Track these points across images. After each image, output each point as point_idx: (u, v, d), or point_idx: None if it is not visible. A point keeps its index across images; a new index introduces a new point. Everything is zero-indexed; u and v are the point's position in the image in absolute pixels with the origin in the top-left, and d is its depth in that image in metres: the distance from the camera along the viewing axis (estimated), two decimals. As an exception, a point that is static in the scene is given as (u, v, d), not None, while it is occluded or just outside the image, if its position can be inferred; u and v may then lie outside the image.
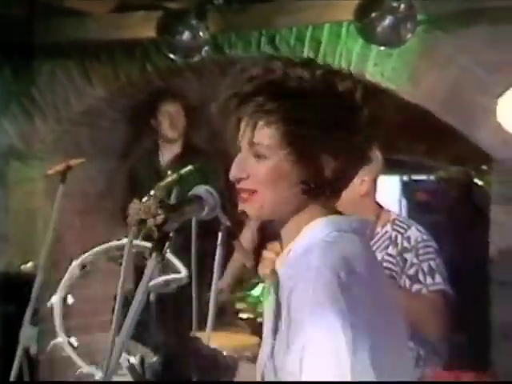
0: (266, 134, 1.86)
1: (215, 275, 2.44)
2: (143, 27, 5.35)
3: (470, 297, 5.22)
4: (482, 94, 4.95)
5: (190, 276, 3.60)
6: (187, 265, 3.65)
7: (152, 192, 5.10)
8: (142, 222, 1.73)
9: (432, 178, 6.67)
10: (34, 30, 5.74)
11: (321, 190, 1.90)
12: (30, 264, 5.64)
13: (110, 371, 1.73)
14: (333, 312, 1.72)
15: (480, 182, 5.67)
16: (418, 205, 6.78)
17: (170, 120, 5.71)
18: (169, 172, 5.19)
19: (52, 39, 5.75)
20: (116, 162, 6.47)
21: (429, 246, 3.47)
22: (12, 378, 4.40)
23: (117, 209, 6.07)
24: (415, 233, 3.49)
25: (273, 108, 1.84)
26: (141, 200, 5.12)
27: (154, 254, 1.69)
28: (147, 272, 1.69)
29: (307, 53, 5.32)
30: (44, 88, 6.06)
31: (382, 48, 4.97)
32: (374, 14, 4.71)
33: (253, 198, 1.88)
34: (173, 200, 4.70)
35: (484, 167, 5.59)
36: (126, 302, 2.09)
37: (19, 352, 4.38)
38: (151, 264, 1.69)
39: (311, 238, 1.88)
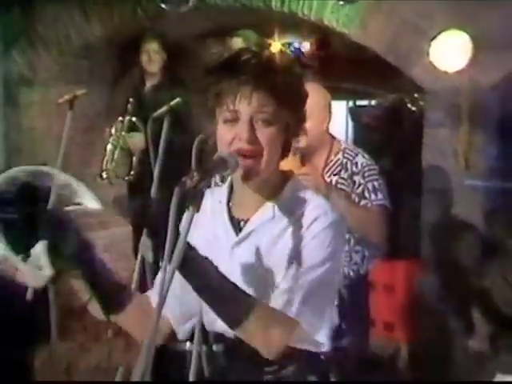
0: (269, 106, 1.84)
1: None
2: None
3: (404, 201, 5.47)
4: (417, 38, 4.99)
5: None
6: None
7: (126, 118, 5.36)
8: (182, 183, 1.62)
9: (373, 103, 6.78)
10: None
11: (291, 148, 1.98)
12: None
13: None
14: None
15: (413, 108, 5.78)
16: (362, 126, 6.82)
17: (148, 56, 5.67)
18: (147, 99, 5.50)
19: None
20: (110, 89, 6.45)
21: (372, 169, 3.58)
22: None
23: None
24: (361, 159, 3.58)
25: (271, 85, 1.84)
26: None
27: (191, 208, 1.62)
28: (185, 224, 1.61)
29: (275, 3, 5.30)
30: (48, 25, 6.03)
31: (341, 2, 4.97)
32: None
33: (257, 159, 1.86)
34: (165, 129, 4.84)
35: (416, 96, 5.71)
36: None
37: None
38: (188, 216, 1.61)
39: (298, 191, 1.96)
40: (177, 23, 5.71)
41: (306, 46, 6.11)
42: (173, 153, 4.70)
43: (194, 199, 1.63)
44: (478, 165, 5.02)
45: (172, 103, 4.65)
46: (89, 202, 1.97)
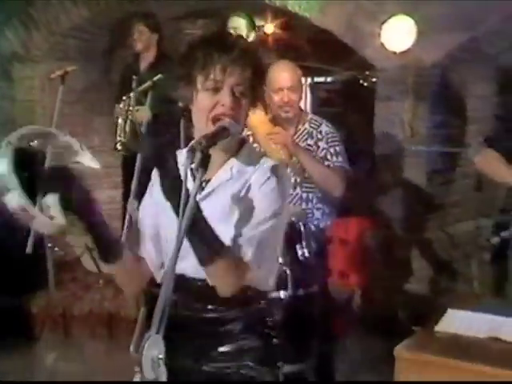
0: (246, 81, 1.89)
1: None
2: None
3: (359, 165, 5.55)
4: (370, 22, 5.03)
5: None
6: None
7: (131, 94, 5.22)
8: (192, 148, 1.64)
9: (330, 79, 6.81)
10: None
11: None
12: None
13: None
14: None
15: (365, 84, 5.82)
16: (320, 100, 6.87)
17: (136, 36, 5.49)
18: (140, 77, 5.25)
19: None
20: (97, 65, 6.39)
21: (334, 136, 3.70)
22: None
23: (99, 100, 6.20)
24: (325, 128, 3.70)
25: (251, 63, 1.90)
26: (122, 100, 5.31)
27: (200, 170, 1.64)
28: (195, 185, 1.63)
29: None
30: (39, 7, 5.95)
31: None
32: None
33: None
34: (148, 100, 4.81)
35: (368, 73, 5.76)
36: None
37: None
38: (198, 177, 1.63)
39: (252, 154, 2.06)
40: (162, 5, 5.69)
41: (270, 28, 6.12)
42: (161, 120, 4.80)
43: (202, 162, 1.66)
44: (421, 132, 5.12)
45: (155, 78, 4.72)
46: (88, 161, 2.00)
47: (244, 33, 5.01)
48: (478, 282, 5.20)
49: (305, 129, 3.73)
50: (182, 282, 1.89)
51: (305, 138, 3.68)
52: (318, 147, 3.67)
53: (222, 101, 1.86)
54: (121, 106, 5.32)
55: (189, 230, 1.67)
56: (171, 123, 4.79)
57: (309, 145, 3.69)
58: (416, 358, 1.86)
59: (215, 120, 1.87)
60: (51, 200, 1.80)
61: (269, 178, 1.93)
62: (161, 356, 1.53)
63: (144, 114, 5.12)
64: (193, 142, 1.68)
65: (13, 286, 5.16)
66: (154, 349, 1.53)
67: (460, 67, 5.31)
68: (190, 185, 1.65)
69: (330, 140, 3.66)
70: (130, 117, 5.28)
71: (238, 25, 5.02)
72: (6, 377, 4.16)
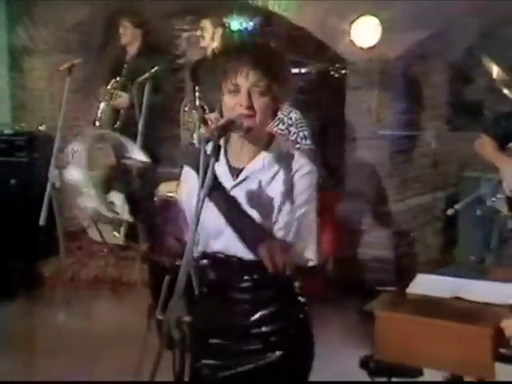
0: (262, 81, 1.86)
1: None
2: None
3: (332, 146, 5.59)
4: (341, 21, 5.05)
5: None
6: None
7: (117, 79, 5.31)
8: (206, 138, 1.68)
9: (304, 71, 6.78)
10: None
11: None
12: (43, 126, 5.61)
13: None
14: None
15: (336, 75, 5.83)
16: (297, 89, 6.82)
17: (122, 31, 5.45)
18: (126, 66, 5.36)
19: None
20: (95, 57, 6.29)
21: (302, 122, 3.71)
22: (44, 201, 4.38)
23: (97, 88, 6.17)
24: (294, 115, 3.69)
25: (267, 65, 1.87)
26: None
27: (212, 158, 1.67)
28: (210, 171, 1.67)
29: None
30: (46, 7, 5.87)
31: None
32: None
33: (253, 119, 1.88)
34: (147, 90, 4.60)
35: (339, 65, 5.77)
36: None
37: (49, 185, 4.39)
38: (211, 164, 1.67)
39: (282, 147, 2.01)
40: (146, 5, 5.66)
41: (251, 25, 6.10)
42: (154, 108, 4.81)
43: (214, 151, 1.70)
44: (386, 118, 5.18)
45: (152, 71, 4.70)
46: (139, 156, 2.00)
47: (210, 30, 5.00)
48: (433, 248, 5.30)
49: (277, 115, 3.74)
50: (218, 260, 1.95)
51: (277, 123, 3.67)
52: (289, 132, 3.69)
53: (241, 101, 1.86)
54: (108, 87, 5.36)
55: (231, 221, 1.77)
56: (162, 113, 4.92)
57: (281, 129, 3.70)
58: (393, 316, 1.91)
59: (242, 117, 1.86)
60: (116, 197, 1.83)
61: (301, 167, 1.95)
62: (186, 318, 1.58)
63: (123, 100, 5.22)
64: (205, 133, 1.71)
65: (28, 254, 5.21)
66: (177, 312, 1.58)
67: (418, 61, 5.38)
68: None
69: (299, 125, 3.69)
70: (111, 101, 5.35)
71: (204, 24, 5.03)
72: (19, 332, 4.18)
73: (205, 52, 5.07)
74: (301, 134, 3.71)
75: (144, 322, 3.51)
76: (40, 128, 5.67)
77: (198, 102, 5.00)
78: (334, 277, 5.09)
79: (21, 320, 4.47)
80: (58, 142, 4.51)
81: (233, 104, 1.88)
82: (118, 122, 5.36)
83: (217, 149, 1.71)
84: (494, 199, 4.44)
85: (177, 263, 3.14)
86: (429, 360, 1.92)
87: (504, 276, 2.33)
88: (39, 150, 5.43)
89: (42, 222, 4.37)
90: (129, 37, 5.47)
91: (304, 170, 1.95)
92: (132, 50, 5.53)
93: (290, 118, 3.71)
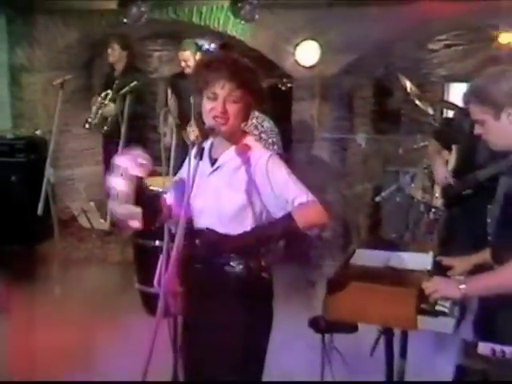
0: (236, 91, 1.86)
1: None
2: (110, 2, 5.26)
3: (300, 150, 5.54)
4: (287, 44, 5.12)
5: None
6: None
7: (108, 91, 5.26)
8: (192, 142, 1.71)
9: None
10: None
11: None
12: (39, 131, 5.57)
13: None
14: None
15: (284, 88, 5.82)
16: None
17: (110, 52, 5.38)
18: (116, 81, 5.29)
19: (47, 5, 5.59)
20: (81, 73, 6.25)
21: (273, 130, 3.51)
22: (42, 195, 4.28)
23: (84, 99, 6.01)
24: (267, 123, 3.48)
25: (241, 78, 1.87)
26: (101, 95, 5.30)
27: (197, 157, 1.71)
28: (192, 170, 1.69)
29: (195, 18, 5.30)
30: (41, 31, 5.82)
31: (242, 22, 4.94)
32: (240, 4, 4.71)
33: (226, 122, 1.89)
34: (128, 102, 4.66)
35: (286, 80, 5.77)
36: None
37: (45, 181, 4.32)
38: (194, 164, 1.71)
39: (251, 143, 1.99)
40: (130, 30, 5.61)
41: (213, 47, 6.06)
42: (134, 116, 4.80)
43: (198, 152, 1.75)
44: (325, 124, 5.22)
45: (131, 85, 4.69)
46: None
47: (192, 53, 4.97)
48: (364, 228, 5.40)
49: (252, 122, 3.48)
50: (203, 234, 1.93)
51: (251, 129, 3.49)
52: (261, 138, 3.46)
53: (217, 107, 1.88)
54: (98, 98, 5.33)
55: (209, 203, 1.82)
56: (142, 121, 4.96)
57: (254, 134, 3.60)
58: (339, 283, 1.93)
59: (215, 119, 1.89)
60: None
61: (262, 155, 1.93)
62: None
63: (110, 109, 5.21)
64: (192, 138, 1.74)
65: (28, 238, 5.17)
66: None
67: (349, 77, 5.43)
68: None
69: (269, 133, 3.48)
70: (100, 109, 5.31)
71: (188, 47, 5.00)
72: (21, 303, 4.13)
73: (181, 68, 4.98)
74: (269, 140, 3.48)
75: (125, 293, 3.66)
76: (36, 133, 5.60)
77: (172, 110, 5.03)
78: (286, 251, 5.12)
79: (22, 293, 4.39)
80: (52, 145, 4.47)
81: (210, 108, 1.90)
82: (105, 127, 5.34)
83: (200, 151, 1.75)
84: (410, 188, 4.59)
85: (156, 244, 3.16)
86: (367, 317, 1.94)
87: (421, 248, 2.37)
88: (36, 152, 5.38)
89: (39, 211, 4.29)
90: (116, 57, 5.43)
91: (266, 155, 1.94)
92: (119, 67, 5.48)
93: (263, 126, 3.49)
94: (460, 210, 3.35)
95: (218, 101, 1.88)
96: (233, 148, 1.96)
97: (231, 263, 1.91)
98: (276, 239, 1.99)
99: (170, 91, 5.28)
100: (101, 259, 5.17)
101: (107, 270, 5.05)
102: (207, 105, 1.91)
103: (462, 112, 3.06)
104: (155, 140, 4.97)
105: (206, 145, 2.02)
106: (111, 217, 4.71)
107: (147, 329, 1.67)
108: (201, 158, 1.74)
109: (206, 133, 1.86)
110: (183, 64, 4.85)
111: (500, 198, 1.96)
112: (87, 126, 5.34)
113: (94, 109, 5.33)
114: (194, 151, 1.78)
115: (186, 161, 1.80)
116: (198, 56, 4.81)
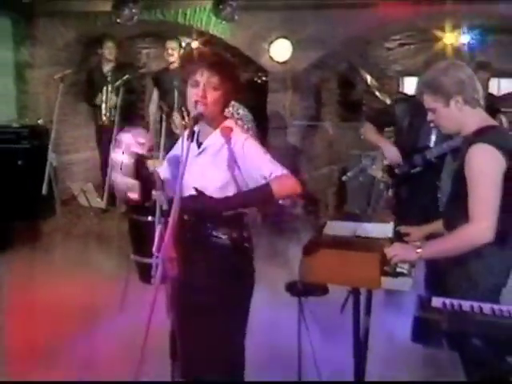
0: (214, 78, 1.84)
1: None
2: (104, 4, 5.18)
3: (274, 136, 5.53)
4: (263, 42, 5.12)
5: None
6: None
7: (109, 88, 5.27)
8: (184, 125, 1.72)
9: None
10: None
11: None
12: (41, 120, 5.50)
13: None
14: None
15: (260, 81, 5.84)
16: None
17: (107, 50, 5.40)
18: (109, 78, 5.35)
19: (48, 8, 5.50)
20: (77, 69, 6.19)
21: (248, 117, 3.36)
22: (46, 177, 4.28)
23: (80, 92, 5.94)
24: (242, 111, 3.37)
25: (219, 67, 1.85)
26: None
27: (189, 139, 1.70)
28: (185, 152, 1.68)
29: (180, 18, 5.23)
30: (42, 31, 5.71)
31: (223, 22, 4.90)
32: (221, 6, 4.62)
33: (206, 107, 1.86)
34: (120, 94, 4.56)
35: (261, 74, 5.80)
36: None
37: (48, 164, 4.36)
38: (187, 144, 1.69)
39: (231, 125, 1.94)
40: (122, 29, 5.54)
41: (195, 44, 6.00)
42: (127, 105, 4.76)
43: (190, 135, 1.75)
44: (296, 113, 5.24)
45: (124, 78, 4.63)
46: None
47: (176, 49, 4.94)
48: (331, 205, 5.46)
49: (229, 110, 3.53)
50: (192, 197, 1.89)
51: (229, 116, 3.60)
52: (237, 124, 3.58)
53: (198, 93, 1.87)
54: (103, 97, 5.39)
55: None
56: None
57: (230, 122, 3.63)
58: (314, 250, 1.94)
59: (196, 104, 1.87)
60: None
61: (239, 137, 1.92)
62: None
63: (113, 102, 5.21)
64: (184, 122, 1.72)
65: (33, 216, 5.10)
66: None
67: (318, 72, 5.46)
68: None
69: (245, 119, 3.41)
70: (107, 103, 5.34)
71: (172, 45, 4.98)
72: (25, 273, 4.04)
73: (167, 63, 4.95)
74: (245, 126, 3.37)
75: (120, 263, 3.65)
76: (39, 122, 5.54)
77: (158, 101, 5.02)
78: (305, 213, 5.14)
79: (26, 264, 4.35)
80: (53, 133, 4.48)
81: (193, 94, 1.88)
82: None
83: (192, 133, 1.75)
84: (371, 169, 4.63)
85: (149, 219, 3.13)
86: (337, 279, 1.94)
87: (382, 219, 2.40)
88: (39, 139, 5.33)
89: (44, 191, 4.33)
90: (113, 54, 5.43)
91: (244, 136, 1.93)
92: (110, 63, 5.47)
93: (238, 113, 3.38)
94: (409, 187, 3.27)
95: (199, 87, 1.87)
96: (216, 131, 1.94)
97: (217, 234, 1.90)
98: (254, 204, 1.95)
99: (152, 84, 5.31)
100: (98, 234, 5.13)
101: (103, 243, 5.03)
102: (190, 91, 1.90)
103: (400, 100, 3.15)
104: (143, 127, 4.96)
105: (196, 129, 1.98)
106: (111, 191, 4.74)
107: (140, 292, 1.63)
108: (192, 140, 1.73)
109: (195, 119, 1.84)
110: (169, 57, 4.88)
111: (446, 175, 1.98)
112: (105, 120, 5.44)
113: (103, 105, 5.39)
114: (185, 134, 1.77)
115: (179, 141, 1.78)
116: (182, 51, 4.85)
